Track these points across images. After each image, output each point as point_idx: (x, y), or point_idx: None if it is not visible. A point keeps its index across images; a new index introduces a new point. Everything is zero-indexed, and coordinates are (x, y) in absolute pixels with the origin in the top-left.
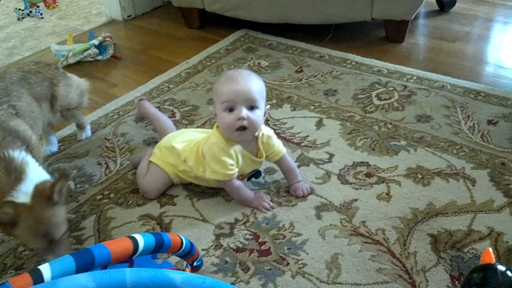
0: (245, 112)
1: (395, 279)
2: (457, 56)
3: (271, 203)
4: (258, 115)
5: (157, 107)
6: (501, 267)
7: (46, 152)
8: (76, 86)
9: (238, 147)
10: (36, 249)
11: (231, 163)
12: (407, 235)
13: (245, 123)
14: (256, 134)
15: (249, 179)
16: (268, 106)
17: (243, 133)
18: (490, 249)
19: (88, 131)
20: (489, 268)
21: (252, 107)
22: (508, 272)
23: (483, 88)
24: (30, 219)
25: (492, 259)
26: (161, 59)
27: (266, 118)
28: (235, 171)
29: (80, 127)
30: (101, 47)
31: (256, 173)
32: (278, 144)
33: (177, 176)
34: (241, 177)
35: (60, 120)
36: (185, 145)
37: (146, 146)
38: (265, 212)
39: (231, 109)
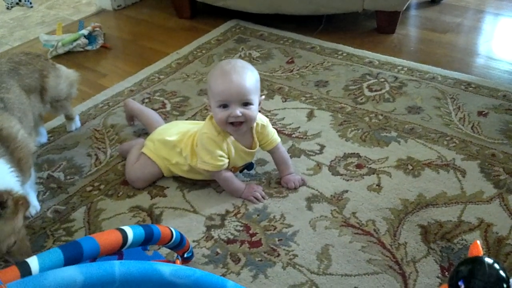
0: (239, 111)
1: (385, 269)
2: (448, 47)
3: (263, 193)
4: (253, 110)
5: (147, 97)
6: (488, 260)
7: (36, 143)
8: (65, 77)
9: (230, 139)
10: None
11: (221, 154)
12: (397, 226)
13: (241, 119)
14: None
15: (241, 171)
16: (263, 97)
17: (239, 128)
18: (478, 242)
19: (77, 122)
20: (477, 261)
21: (246, 104)
22: (496, 265)
23: (474, 79)
24: None
25: (480, 251)
26: (151, 49)
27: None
28: (225, 162)
29: (69, 118)
30: (90, 37)
31: (249, 165)
32: (273, 132)
33: (168, 170)
34: (233, 169)
35: (49, 111)
36: (180, 136)
37: (136, 137)
38: (256, 203)
39: (225, 106)
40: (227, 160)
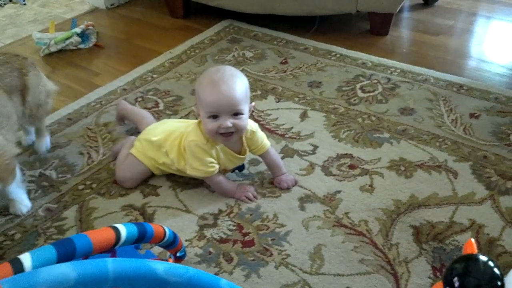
0: (230, 122)
1: (377, 269)
2: (441, 49)
3: (255, 193)
4: (243, 120)
5: (140, 96)
6: (483, 257)
7: (27, 142)
8: (44, 83)
9: (219, 146)
10: None
11: (211, 161)
12: (389, 226)
13: (231, 129)
14: None
15: (232, 171)
16: (253, 103)
17: (229, 138)
18: (473, 240)
19: (47, 142)
20: (471, 259)
21: (236, 114)
22: (490, 262)
23: (466, 81)
24: None
25: (475, 249)
26: (144, 49)
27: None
28: (216, 168)
29: (40, 135)
30: (83, 35)
31: (240, 166)
32: (262, 138)
33: (157, 169)
34: (223, 171)
35: (24, 122)
36: (165, 136)
37: (129, 136)
38: (249, 203)
39: (215, 116)
40: (217, 166)
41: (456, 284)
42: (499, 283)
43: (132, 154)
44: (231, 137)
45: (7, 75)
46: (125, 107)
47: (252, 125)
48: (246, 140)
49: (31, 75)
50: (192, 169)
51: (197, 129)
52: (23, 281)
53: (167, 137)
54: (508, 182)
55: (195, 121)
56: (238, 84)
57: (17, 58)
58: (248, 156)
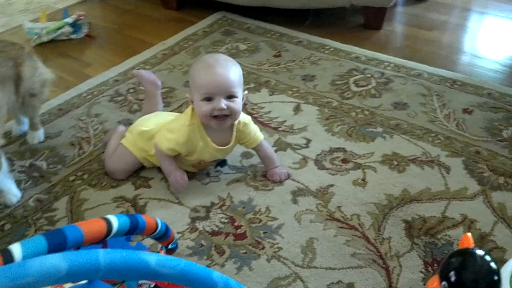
0: (224, 103)
1: (369, 263)
2: (434, 44)
3: (184, 179)
4: (237, 103)
5: (132, 88)
6: (479, 252)
7: (17, 132)
8: (40, 72)
9: (202, 133)
10: None
11: (176, 146)
12: (381, 220)
13: (226, 112)
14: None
15: (215, 166)
16: (246, 92)
17: (222, 122)
18: (469, 234)
19: (41, 134)
20: (468, 253)
21: (230, 96)
22: (487, 257)
23: (459, 77)
24: None
25: (471, 244)
26: (136, 40)
27: (244, 102)
28: (169, 153)
29: (34, 127)
30: (75, 25)
31: (221, 162)
32: (255, 131)
33: (147, 160)
34: (202, 163)
35: (18, 111)
36: (157, 127)
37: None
38: (177, 191)
39: (209, 99)
40: (174, 153)
41: (453, 279)
42: (495, 277)
43: (123, 145)
44: (225, 121)
45: (1, 65)
46: (155, 91)
47: (245, 118)
48: (238, 133)
49: (26, 65)
50: (159, 136)
51: (188, 111)
52: (12, 272)
53: (159, 129)
54: (500, 178)
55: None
56: (233, 68)
57: (14, 47)
58: (241, 148)
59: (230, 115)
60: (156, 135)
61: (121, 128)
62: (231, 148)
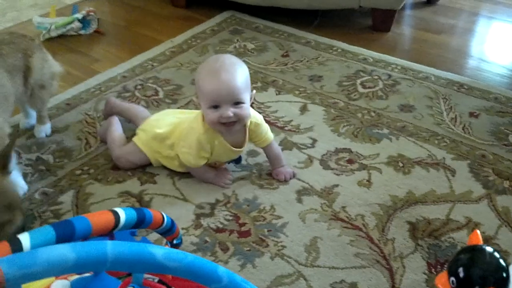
0: (231, 111)
1: (372, 264)
2: (442, 48)
3: (230, 176)
4: (245, 108)
5: (140, 84)
6: (488, 248)
7: (25, 125)
8: (49, 65)
9: (218, 139)
10: None
11: (202, 155)
12: (386, 221)
13: (233, 119)
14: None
15: (228, 162)
16: (254, 91)
17: (231, 127)
18: (478, 231)
19: (48, 129)
20: (477, 249)
21: (237, 103)
22: (496, 254)
23: (466, 81)
24: None
25: (480, 240)
26: (145, 37)
27: (251, 102)
28: (202, 163)
29: (41, 121)
30: (84, 21)
31: (237, 159)
32: (266, 131)
33: (157, 161)
34: (216, 163)
35: (27, 102)
36: (172, 128)
37: (127, 123)
38: (224, 187)
39: (216, 106)
40: (205, 161)
41: (461, 275)
42: (504, 274)
43: (136, 144)
44: (233, 126)
45: (11, 56)
46: (116, 104)
47: (257, 117)
48: (250, 132)
49: (36, 57)
50: (182, 153)
51: (200, 119)
52: (21, 261)
53: (174, 130)
54: (505, 182)
55: (199, 111)
56: (239, 73)
57: (24, 39)
58: (247, 147)
59: (238, 121)
60: (175, 148)
61: (115, 118)
62: (243, 149)
